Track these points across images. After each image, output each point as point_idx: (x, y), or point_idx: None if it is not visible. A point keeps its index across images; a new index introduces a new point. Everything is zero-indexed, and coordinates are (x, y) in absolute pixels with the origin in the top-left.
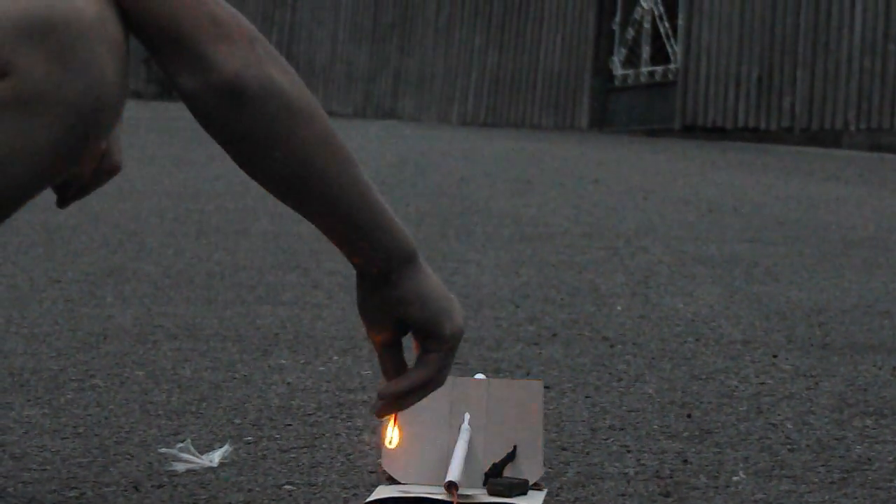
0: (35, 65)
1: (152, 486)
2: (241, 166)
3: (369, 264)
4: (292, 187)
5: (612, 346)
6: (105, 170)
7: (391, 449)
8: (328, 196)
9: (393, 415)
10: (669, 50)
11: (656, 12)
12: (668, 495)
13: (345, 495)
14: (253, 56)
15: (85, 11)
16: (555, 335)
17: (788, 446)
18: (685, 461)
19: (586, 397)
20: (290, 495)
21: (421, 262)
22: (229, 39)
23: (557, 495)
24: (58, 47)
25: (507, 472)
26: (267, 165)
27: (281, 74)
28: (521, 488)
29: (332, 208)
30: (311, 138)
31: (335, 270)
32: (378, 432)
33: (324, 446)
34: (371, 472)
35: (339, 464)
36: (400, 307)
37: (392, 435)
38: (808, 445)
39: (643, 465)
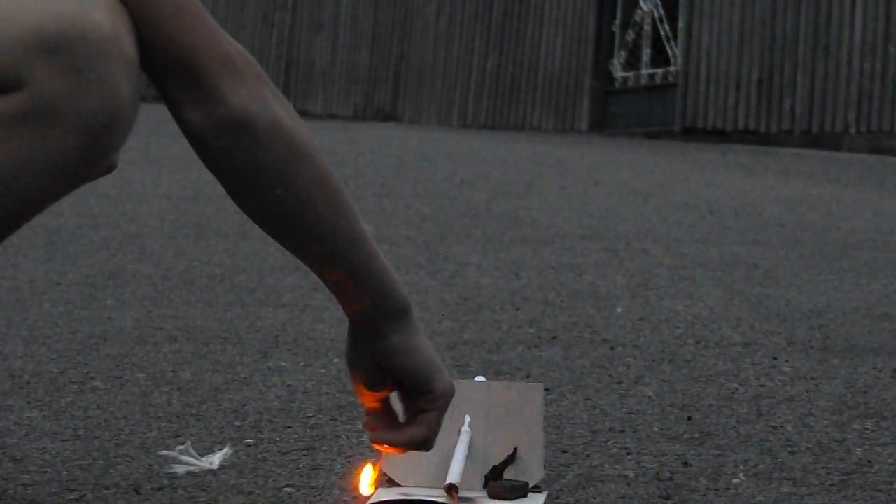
0: (50, 78)
1: (152, 489)
2: (239, 203)
3: (362, 313)
4: (289, 227)
5: (612, 349)
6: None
7: (390, 453)
8: (324, 239)
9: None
10: (669, 52)
11: (656, 14)
12: (668, 498)
13: (345, 498)
14: (261, 94)
15: (102, 26)
16: (555, 337)
17: (788, 449)
18: (685, 463)
19: (586, 399)
20: (291, 498)
21: (414, 317)
22: (240, 76)
23: (557, 497)
24: (73, 61)
25: (508, 475)
26: (266, 203)
27: (286, 114)
28: (521, 491)
29: (327, 251)
30: (311, 179)
31: None
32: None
33: (324, 449)
34: None
35: (339, 466)
36: (391, 358)
37: (367, 479)
38: (808, 448)
39: (643, 467)
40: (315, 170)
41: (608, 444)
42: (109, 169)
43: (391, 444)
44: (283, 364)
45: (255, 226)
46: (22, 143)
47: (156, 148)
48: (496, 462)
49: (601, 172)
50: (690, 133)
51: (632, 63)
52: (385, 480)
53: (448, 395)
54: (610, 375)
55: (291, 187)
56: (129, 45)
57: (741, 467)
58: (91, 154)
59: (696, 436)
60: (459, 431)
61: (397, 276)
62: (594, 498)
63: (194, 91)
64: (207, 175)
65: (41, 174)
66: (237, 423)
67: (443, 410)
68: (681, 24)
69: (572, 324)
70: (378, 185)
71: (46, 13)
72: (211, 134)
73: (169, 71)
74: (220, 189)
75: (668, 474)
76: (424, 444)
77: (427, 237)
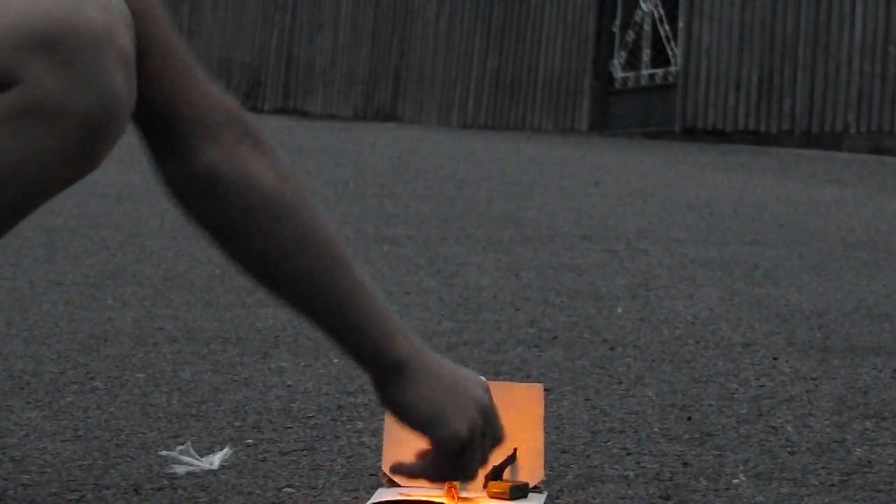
0: (44, 75)
1: (152, 489)
2: (219, 250)
3: (357, 365)
4: (266, 281)
5: (612, 349)
6: None
7: (392, 451)
8: (303, 295)
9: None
10: (670, 52)
11: (656, 15)
12: (668, 498)
13: (345, 498)
14: (236, 151)
15: (95, 21)
16: (555, 338)
17: (788, 449)
18: (685, 464)
19: (586, 400)
20: (291, 498)
21: (414, 368)
22: (215, 132)
23: (557, 498)
24: (66, 57)
25: (508, 475)
26: (244, 257)
27: (268, 171)
28: (522, 491)
29: (306, 309)
30: (292, 237)
31: None
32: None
33: (324, 449)
34: (371, 475)
35: (339, 466)
36: (389, 409)
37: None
38: (808, 448)
39: (643, 467)
40: (298, 227)
41: (608, 444)
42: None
43: (400, 474)
44: (283, 364)
45: None
46: (17, 141)
47: None
48: (496, 462)
49: (601, 173)
50: (690, 133)
51: (632, 63)
52: (385, 480)
53: (448, 444)
54: (610, 376)
55: (268, 243)
56: (123, 39)
57: (741, 467)
58: (88, 149)
59: (697, 436)
60: None
61: (395, 327)
62: (594, 498)
63: (167, 143)
64: None
65: (38, 171)
66: (237, 424)
67: (448, 456)
68: (681, 25)
69: (572, 324)
70: (378, 186)
71: (38, 10)
72: (180, 187)
73: (146, 118)
74: None
75: (668, 474)
76: (436, 479)
77: (427, 237)
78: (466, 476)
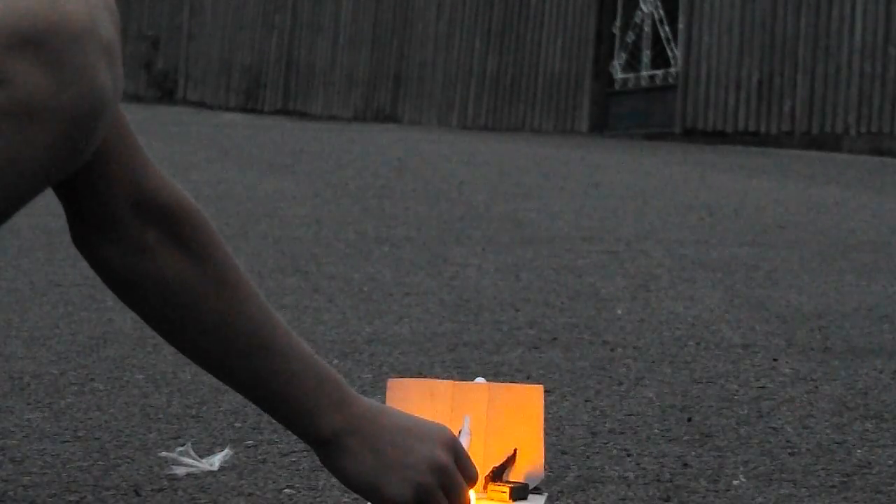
0: (27, 73)
1: (153, 490)
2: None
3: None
4: (194, 359)
5: (612, 350)
6: None
7: None
8: (228, 377)
9: None
10: (670, 54)
11: (657, 16)
12: (668, 499)
13: (345, 499)
14: (135, 246)
15: (76, 16)
16: (555, 339)
17: (789, 450)
18: (685, 465)
19: (586, 401)
20: (291, 499)
21: (347, 440)
22: (120, 229)
23: (558, 499)
24: (49, 55)
25: (508, 477)
26: (158, 332)
27: (179, 262)
28: (522, 492)
29: (235, 386)
30: (202, 324)
31: (335, 274)
32: None
33: None
34: None
35: None
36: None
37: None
38: (808, 449)
39: (643, 468)
40: (207, 313)
41: (608, 445)
42: None
43: None
44: None
45: (255, 228)
46: (4, 140)
47: (156, 150)
48: (497, 464)
49: (601, 174)
50: (690, 134)
51: (632, 64)
52: None
53: None
54: (610, 377)
55: (172, 328)
56: (105, 31)
57: (741, 469)
58: (75, 144)
59: (697, 437)
60: (460, 433)
61: (328, 400)
62: (594, 499)
63: (85, 222)
64: (207, 177)
65: (26, 170)
66: (237, 425)
67: None
68: (681, 26)
69: (572, 325)
70: (378, 187)
71: (18, 9)
72: (92, 262)
73: (73, 189)
74: (219, 190)
75: (668, 476)
76: None
77: (427, 238)
78: None
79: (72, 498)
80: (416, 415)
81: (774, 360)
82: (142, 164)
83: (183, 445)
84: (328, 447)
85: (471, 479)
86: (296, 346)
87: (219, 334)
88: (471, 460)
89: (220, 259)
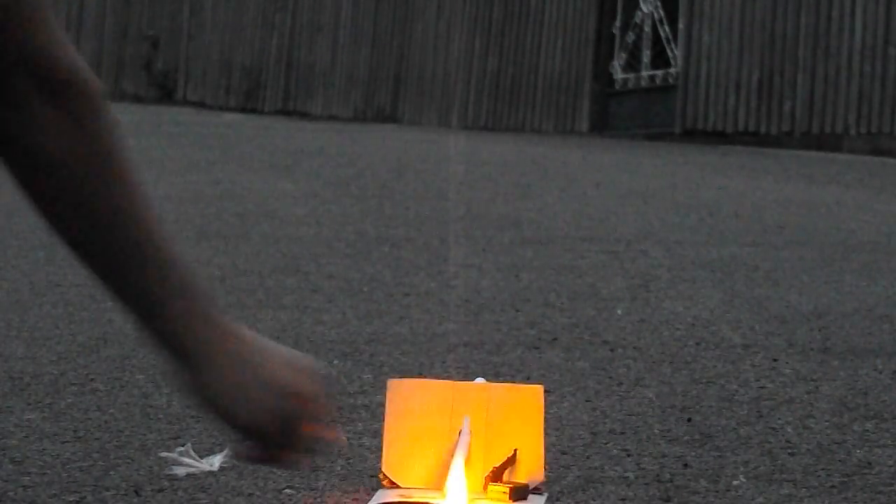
0: None
1: (153, 490)
2: None
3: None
4: (65, 241)
5: (612, 350)
6: None
7: (391, 452)
8: (96, 266)
9: None
10: (670, 54)
11: (657, 16)
12: (668, 499)
13: (345, 499)
14: (32, 112)
15: None
16: (555, 339)
17: (789, 450)
18: (685, 465)
19: (586, 401)
20: (291, 499)
21: (212, 355)
22: (11, 95)
23: (558, 499)
24: None
25: (508, 477)
26: (36, 209)
27: (67, 138)
28: (522, 492)
29: (101, 277)
30: (81, 208)
31: (335, 274)
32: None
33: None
34: (371, 476)
35: (339, 468)
36: (184, 397)
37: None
38: (808, 449)
39: (643, 468)
40: (84, 199)
41: (608, 445)
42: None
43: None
44: None
45: (256, 228)
46: None
47: (156, 150)
48: (497, 464)
49: (601, 174)
50: (690, 135)
51: (632, 65)
52: (385, 482)
53: (248, 434)
54: (610, 377)
55: (46, 208)
56: None
57: (741, 469)
58: None
59: (697, 437)
60: (459, 433)
61: (195, 313)
62: (594, 499)
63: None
64: (207, 177)
65: None
66: None
67: (263, 443)
68: (681, 26)
69: (572, 325)
70: (378, 187)
71: None
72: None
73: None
74: (219, 191)
75: (668, 476)
76: (262, 463)
77: (427, 239)
78: (284, 465)
79: (72, 498)
80: (416, 415)
81: (774, 360)
82: (45, 34)
83: (183, 445)
84: (190, 360)
85: (329, 416)
86: (170, 255)
87: (98, 224)
88: (334, 398)
89: (109, 143)
